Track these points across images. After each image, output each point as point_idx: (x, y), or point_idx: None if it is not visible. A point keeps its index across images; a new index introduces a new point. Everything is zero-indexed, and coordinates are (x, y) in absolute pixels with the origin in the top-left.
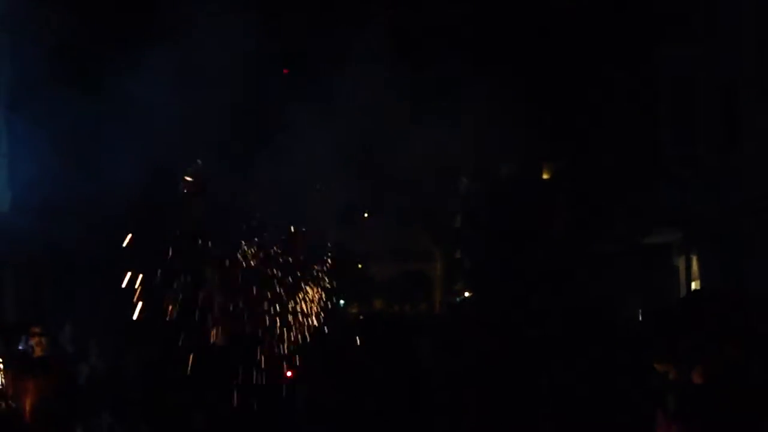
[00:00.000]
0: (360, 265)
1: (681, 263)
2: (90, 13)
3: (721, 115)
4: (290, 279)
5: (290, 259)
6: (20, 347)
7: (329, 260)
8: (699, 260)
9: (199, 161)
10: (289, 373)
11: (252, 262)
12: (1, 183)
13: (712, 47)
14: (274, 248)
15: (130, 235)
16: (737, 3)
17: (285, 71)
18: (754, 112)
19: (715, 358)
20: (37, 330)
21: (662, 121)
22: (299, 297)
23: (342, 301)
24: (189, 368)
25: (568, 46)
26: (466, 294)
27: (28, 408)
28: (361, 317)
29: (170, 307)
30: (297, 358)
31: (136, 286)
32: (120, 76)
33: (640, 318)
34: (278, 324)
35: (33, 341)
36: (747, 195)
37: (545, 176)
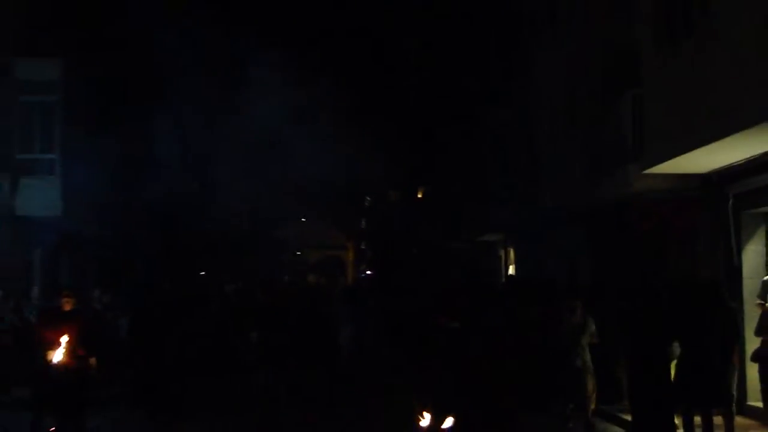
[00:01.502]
0: (298, 252)
1: (503, 253)
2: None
3: (526, 158)
4: None
5: None
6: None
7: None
8: (514, 251)
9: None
10: None
11: None
12: (57, 196)
13: (521, 113)
14: None
15: None
16: (539, 83)
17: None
18: (547, 158)
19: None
20: (66, 292)
21: (490, 160)
22: None
23: (286, 277)
24: None
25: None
26: (368, 272)
27: (63, 350)
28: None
29: None
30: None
31: None
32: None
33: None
34: None
35: (63, 300)
36: (541, 212)
37: (419, 196)
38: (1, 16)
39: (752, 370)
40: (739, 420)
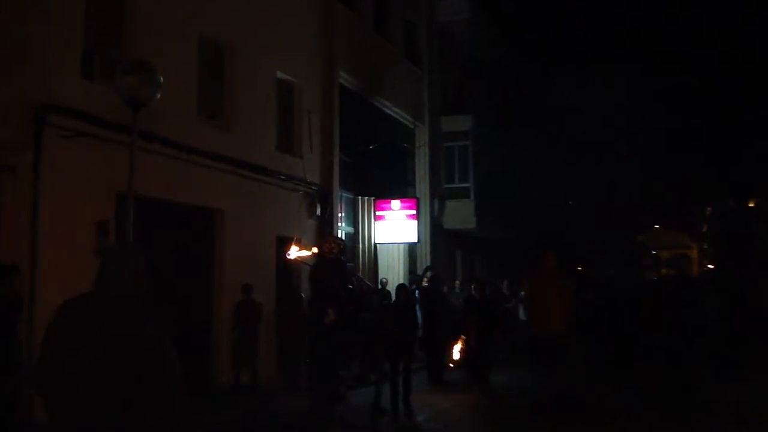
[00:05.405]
0: (654, 252)
1: None
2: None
3: None
4: None
5: None
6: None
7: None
8: None
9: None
10: None
11: None
12: (471, 212)
13: None
14: None
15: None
16: None
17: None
18: None
19: None
20: (477, 285)
21: None
22: None
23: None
24: None
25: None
26: (709, 266)
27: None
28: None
29: None
30: None
31: None
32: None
33: None
34: None
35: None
36: None
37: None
38: (422, 93)
39: None
40: None
